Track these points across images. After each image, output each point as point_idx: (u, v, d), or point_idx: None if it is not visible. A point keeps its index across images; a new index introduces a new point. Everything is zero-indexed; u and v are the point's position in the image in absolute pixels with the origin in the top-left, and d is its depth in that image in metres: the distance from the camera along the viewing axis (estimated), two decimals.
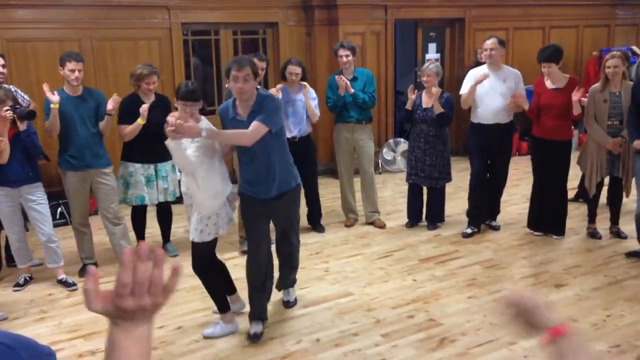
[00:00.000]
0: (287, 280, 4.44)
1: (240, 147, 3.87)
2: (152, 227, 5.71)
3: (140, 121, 5.00)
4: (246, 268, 4.06)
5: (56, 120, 4.72)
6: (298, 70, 5.70)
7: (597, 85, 5.44)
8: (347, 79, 5.84)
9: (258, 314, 4.05)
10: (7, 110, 4.36)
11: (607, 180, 5.68)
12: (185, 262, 5.30)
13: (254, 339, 3.96)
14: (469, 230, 5.84)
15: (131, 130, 5.05)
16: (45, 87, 4.68)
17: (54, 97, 4.65)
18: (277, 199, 3.93)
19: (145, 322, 1.02)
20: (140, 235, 5.53)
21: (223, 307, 4.09)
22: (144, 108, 4.99)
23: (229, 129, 3.82)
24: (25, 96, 5.29)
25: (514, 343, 3.83)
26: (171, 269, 1.06)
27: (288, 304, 4.46)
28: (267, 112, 3.71)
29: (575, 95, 5.29)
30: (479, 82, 5.52)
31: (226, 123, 3.88)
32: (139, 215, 5.46)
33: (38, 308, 4.53)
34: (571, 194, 6.41)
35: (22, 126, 4.52)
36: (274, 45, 8.19)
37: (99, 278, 1.06)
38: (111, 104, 4.88)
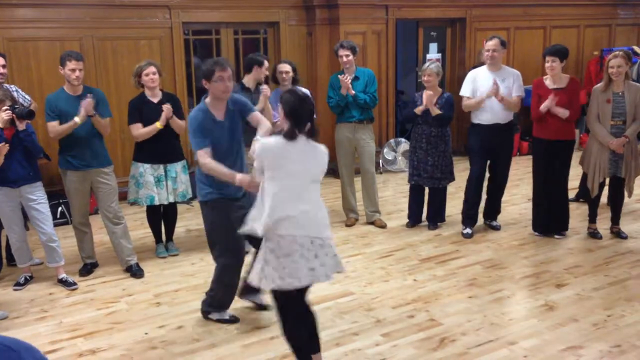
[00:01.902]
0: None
1: (214, 145, 3.80)
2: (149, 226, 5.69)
3: (159, 125, 5.03)
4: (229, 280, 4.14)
5: (69, 131, 4.72)
6: (287, 67, 5.68)
7: (600, 85, 5.42)
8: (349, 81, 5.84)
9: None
10: (6, 109, 4.36)
11: (607, 180, 5.67)
12: (185, 261, 5.33)
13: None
14: (469, 231, 5.84)
15: (146, 132, 5.08)
16: (88, 99, 4.66)
17: (82, 116, 4.66)
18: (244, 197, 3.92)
19: None
20: (157, 234, 5.54)
21: None
22: (168, 112, 5.03)
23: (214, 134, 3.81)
24: (27, 96, 5.28)
25: (514, 343, 3.83)
26: None
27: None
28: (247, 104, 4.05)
29: (546, 105, 5.28)
30: (488, 96, 5.51)
31: (210, 128, 3.81)
32: (153, 215, 5.48)
33: (38, 307, 4.53)
34: (571, 194, 6.41)
35: (21, 126, 4.51)
36: (275, 45, 8.19)
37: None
38: (83, 109, 4.70)
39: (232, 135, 3.90)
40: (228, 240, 3.94)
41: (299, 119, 3.16)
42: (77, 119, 4.66)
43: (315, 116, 3.34)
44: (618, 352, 3.70)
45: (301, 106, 3.18)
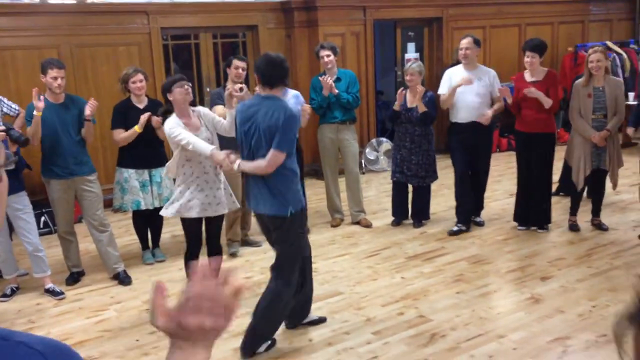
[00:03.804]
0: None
1: None
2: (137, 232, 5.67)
3: (137, 129, 5.00)
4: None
5: (38, 128, 4.68)
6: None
7: (581, 80, 5.52)
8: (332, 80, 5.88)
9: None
10: (1, 130, 4.31)
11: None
12: (172, 267, 5.32)
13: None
14: (455, 228, 5.90)
15: (126, 137, 5.06)
16: (34, 92, 4.62)
17: (40, 104, 4.60)
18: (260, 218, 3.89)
19: (206, 346, 1.01)
20: (143, 239, 5.52)
21: None
22: (145, 117, 4.99)
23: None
24: (13, 105, 5.21)
25: (503, 336, 3.89)
26: (234, 289, 1.03)
27: None
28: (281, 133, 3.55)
29: (529, 91, 5.35)
30: (459, 85, 5.58)
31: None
32: (139, 221, 5.46)
33: (26, 318, 4.49)
34: (553, 187, 6.50)
35: (13, 148, 4.49)
36: (254, 48, 8.20)
37: (166, 294, 1.03)
38: (89, 109, 4.81)
39: None
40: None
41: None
42: (35, 113, 4.60)
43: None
44: (604, 342, 3.77)
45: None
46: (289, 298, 3.79)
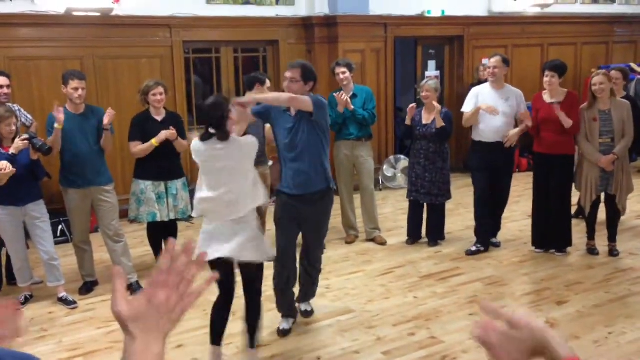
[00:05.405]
0: (309, 292, 4.58)
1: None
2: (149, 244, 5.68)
3: (154, 142, 5.04)
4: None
5: (59, 139, 4.75)
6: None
7: (585, 104, 5.46)
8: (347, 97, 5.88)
9: (287, 311, 4.37)
10: (24, 140, 4.42)
11: (602, 197, 5.67)
12: None
13: (282, 334, 4.28)
14: (473, 248, 5.83)
15: (142, 149, 5.10)
16: (55, 107, 4.69)
17: (60, 116, 4.67)
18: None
19: (158, 338, 1.05)
20: (158, 252, 5.53)
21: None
22: (165, 134, 5.03)
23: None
24: (29, 115, 5.31)
25: None
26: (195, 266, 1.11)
27: (307, 313, 4.57)
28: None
29: (557, 110, 5.30)
30: (485, 109, 5.52)
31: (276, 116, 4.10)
32: (154, 233, 5.49)
33: (38, 326, 4.51)
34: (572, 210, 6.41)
35: (34, 156, 4.57)
36: (274, 63, 8.25)
37: (125, 280, 1.11)
38: (107, 119, 4.88)
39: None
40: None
41: (209, 123, 3.59)
42: (56, 125, 4.67)
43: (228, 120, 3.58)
44: None
45: (209, 112, 3.58)
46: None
